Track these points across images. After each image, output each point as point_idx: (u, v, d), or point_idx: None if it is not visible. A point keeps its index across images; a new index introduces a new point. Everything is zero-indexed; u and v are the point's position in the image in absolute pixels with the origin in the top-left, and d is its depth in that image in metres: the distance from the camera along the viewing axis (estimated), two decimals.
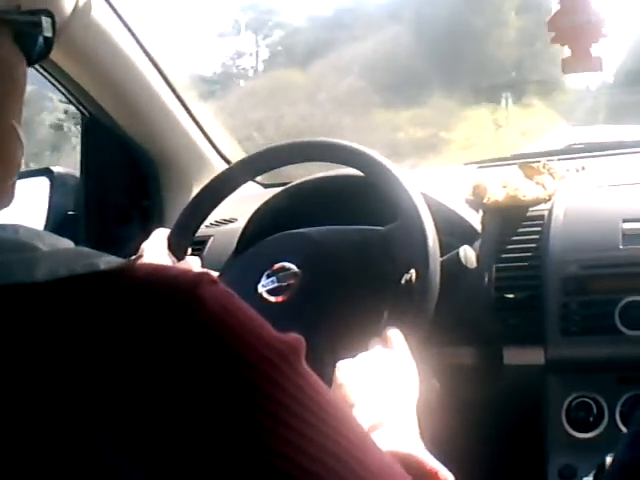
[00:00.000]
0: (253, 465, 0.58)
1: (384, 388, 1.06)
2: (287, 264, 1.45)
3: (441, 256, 1.38)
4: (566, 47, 1.14)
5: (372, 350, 1.17)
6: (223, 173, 1.64)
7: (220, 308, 0.60)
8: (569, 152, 1.97)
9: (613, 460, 1.02)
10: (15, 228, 0.64)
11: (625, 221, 1.49)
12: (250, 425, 0.58)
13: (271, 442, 0.58)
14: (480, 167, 1.93)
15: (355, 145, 1.47)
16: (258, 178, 1.95)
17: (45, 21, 0.73)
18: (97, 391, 0.57)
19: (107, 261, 0.61)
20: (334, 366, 1.10)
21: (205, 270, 0.64)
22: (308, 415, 0.61)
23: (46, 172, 1.93)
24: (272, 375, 0.60)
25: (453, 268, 1.43)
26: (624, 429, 1.41)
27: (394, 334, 1.20)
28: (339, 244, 1.46)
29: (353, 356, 1.13)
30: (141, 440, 0.57)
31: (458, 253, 1.43)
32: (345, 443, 0.63)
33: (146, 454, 0.57)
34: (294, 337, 0.64)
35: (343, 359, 1.12)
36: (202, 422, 0.58)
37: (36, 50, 0.73)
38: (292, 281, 1.44)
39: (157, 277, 0.61)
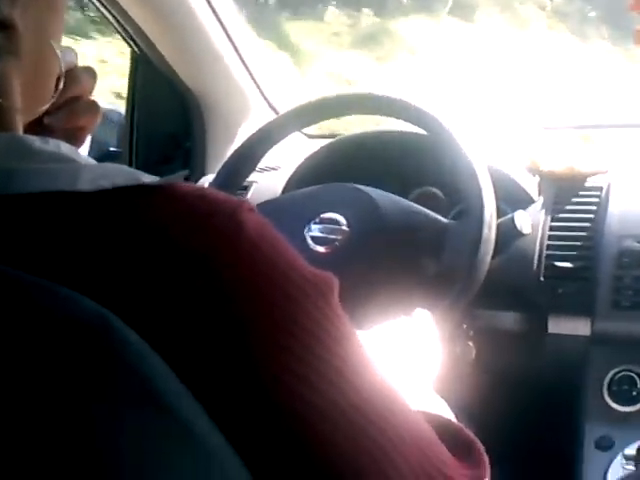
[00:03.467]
0: (270, 393, 0.58)
1: (402, 360, 1.06)
2: (338, 217, 1.45)
3: (497, 218, 1.38)
4: None
5: (397, 324, 1.17)
6: (274, 121, 1.63)
7: (257, 234, 0.60)
8: (632, 124, 1.94)
9: None
10: (57, 143, 0.63)
11: None
12: (280, 352, 0.58)
13: (296, 369, 0.58)
14: (542, 130, 1.90)
15: (422, 104, 1.46)
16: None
17: None
18: (135, 302, 0.56)
19: (150, 176, 0.61)
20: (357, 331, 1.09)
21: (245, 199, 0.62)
22: (337, 351, 0.61)
23: None
24: (305, 304, 0.60)
25: (507, 232, 1.43)
26: None
27: (422, 315, 1.20)
28: (396, 215, 1.45)
29: (377, 327, 1.13)
30: (175, 357, 0.56)
31: (513, 218, 1.43)
32: (370, 393, 0.62)
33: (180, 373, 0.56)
34: (329, 275, 0.63)
35: (368, 328, 1.12)
36: (230, 344, 0.57)
37: None
38: (339, 236, 1.43)
39: (198, 196, 0.60)
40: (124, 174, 0.60)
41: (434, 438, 0.69)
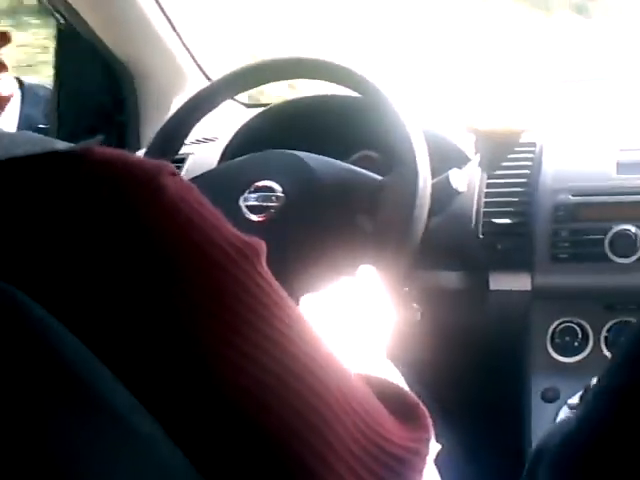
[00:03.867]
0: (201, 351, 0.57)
1: (347, 321, 1.05)
2: (273, 184, 1.43)
3: (432, 179, 1.39)
4: None
5: (341, 285, 1.17)
6: (205, 89, 1.61)
7: (179, 198, 0.59)
8: (565, 79, 1.95)
9: (599, 382, 1.03)
10: None
11: (621, 150, 1.50)
12: (207, 319, 0.57)
13: (224, 336, 0.57)
14: (472, 88, 1.90)
15: (355, 67, 1.45)
16: (240, 98, 1.91)
17: None
18: (49, 273, 0.55)
19: (65, 143, 0.59)
20: (299, 298, 1.09)
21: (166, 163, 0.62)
22: (266, 316, 0.60)
23: (16, 83, 1.87)
24: (230, 269, 0.59)
25: (443, 191, 1.43)
26: (608, 354, 1.44)
27: (366, 270, 1.20)
28: (332, 179, 1.44)
29: (320, 290, 1.13)
30: (91, 330, 0.55)
31: (448, 176, 1.44)
32: (303, 356, 0.62)
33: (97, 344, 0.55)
34: (255, 239, 0.63)
35: (310, 292, 1.11)
36: (154, 309, 0.56)
37: None
38: (275, 203, 1.42)
39: (117, 161, 0.59)
40: (37, 142, 0.59)
41: (374, 402, 0.69)
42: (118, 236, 0.56)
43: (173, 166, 0.61)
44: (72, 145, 0.59)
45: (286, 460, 0.59)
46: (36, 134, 0.62)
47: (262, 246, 0.63)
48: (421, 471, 0.70)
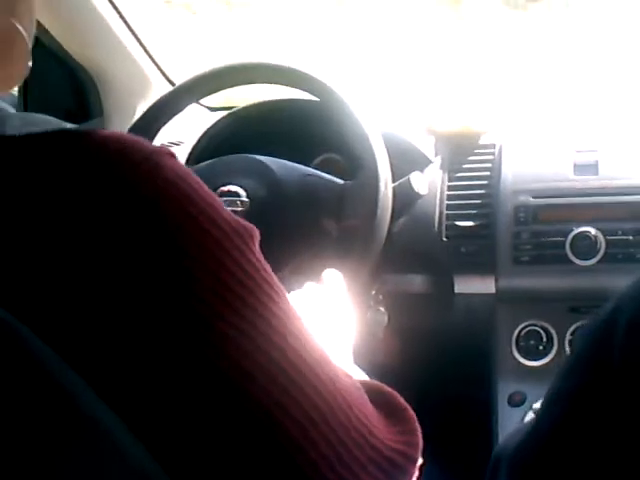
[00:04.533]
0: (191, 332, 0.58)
1: (315, 327, 1.05)
2: (238, 189, 1.43)
3: (393, 182, 1.38)
4: None
5: (306, 289, 1.17)
6: (168, 94, 1.60)
7: (176, 175, 0.61)
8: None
9: (552, 386, 1.02)
10: None
11: (577, 152, 1.49)
12: (200, 288, 0.58)
13: (218, 309, 0.59)
14: (429, 91, 1.91)
15: (314, 72, 1.44)
16: (204, 102, 1.90)
17: None
18: (56, 240, 0.57)
19: (71, 125, 0.63)
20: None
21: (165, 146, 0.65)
22: (258, 293, 0.61)
23: None
24: (226, 245, 0.61)
25: (404, 194, 1.43)
26: None
27: (331, 275, 1.19)
28: (296, 183, 1.44)
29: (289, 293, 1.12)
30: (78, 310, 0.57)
31: (409, 179, 1.43)
32: (293, 337, 0.62)
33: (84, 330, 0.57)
34: (250, 224, 0.64)
35: None
36: (152, 279, 0.58)
37: None
38: (239, 208, 1.42)
39: (117, 140, 0.61)
40: (50, 122, 0.64)
41: (364, 398, 0.70)
42: (119, 208, 0.58)
43: (171, 149, 0.63)
44: (78, 126, 0.63)
45: (270, 430, 0.60)
46: (47, 116, 0.66)
47: (255, 230, 0.65)
48: (412, 476, 0.71)
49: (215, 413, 0.59)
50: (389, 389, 0.82)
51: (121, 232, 0.57)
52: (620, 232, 1.41)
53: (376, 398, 0.73)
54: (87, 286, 0.57)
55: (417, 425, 0.75)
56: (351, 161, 1.57)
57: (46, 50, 1.80)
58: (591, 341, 0.80)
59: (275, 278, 0.65)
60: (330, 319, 1.09)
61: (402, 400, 0.79)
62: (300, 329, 0.64)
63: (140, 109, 1.82)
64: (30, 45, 0.71)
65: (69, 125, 0.63)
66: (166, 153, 0.62)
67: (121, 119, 1.87)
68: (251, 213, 1.41)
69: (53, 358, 0.56)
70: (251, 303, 0.60)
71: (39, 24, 1.72)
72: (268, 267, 0.64)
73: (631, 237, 1.40)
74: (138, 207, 0.58)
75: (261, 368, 0.59)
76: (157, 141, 1.62)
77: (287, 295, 0.66)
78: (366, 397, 0.70)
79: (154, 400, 0.58)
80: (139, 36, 1.83)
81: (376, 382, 0.84)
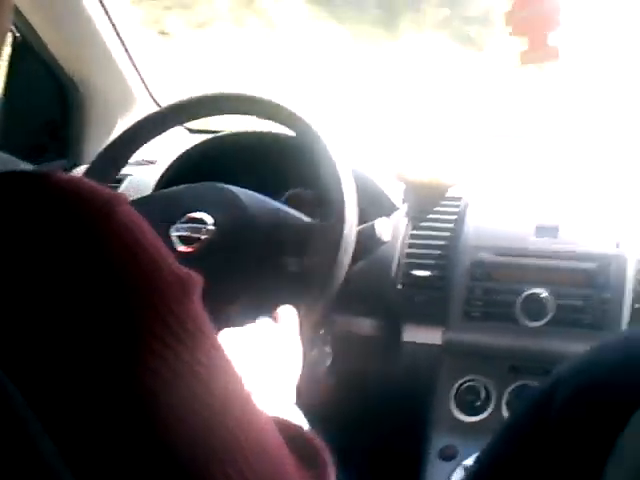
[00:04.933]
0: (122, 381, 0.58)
1: (261, 360, 1.06)
2: (205, 216, 1.44)
3: (358, 225, 1.40)
4: (522, 39, 1.14)
5: (259, 324, 1.18)
6: (154, 114, 1.61)
7: (130, 221, 0.61)
8: (494, 136, 1.97)
9: (480, 455, 1.03)
10: None
11: (539, 214, 1.50)
12: (136, 345, 0.58)
13: (146, 359, 0.58)
14: (403, 139, 1.92)
15: (293, 107, 1.46)
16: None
17: None
18: None
19: (27, 164, 0.62)
20: (218, 332, 1.09)
21: (120, 192, 0.65)
22: (190, 347, 0.61)
23: None
24: (168, 296, 0.61)
25: (367, 239, 1.44)
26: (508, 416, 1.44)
27: (286, 311, 1.20)
28: (264, 217, 1.45)
29: (239, 326, 1.13)
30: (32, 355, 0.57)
31: (374, 225, 1.44)
32: (218, 393, 0.63)
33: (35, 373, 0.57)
34: (194, 273, 0.64)
35: (230, 327, 1.12)
36: (89, 331, 0.57)
37: None
38: (204, 236, 1.43)
39: (73, 186, 0.61)
40: (7, 162, 0.62)
41: (282, 448, 0.69)
42: (69, 251, 0.58)
43: (126, 196, 0.64)
44: (36, 168, 0.62)
45: (177, 471, 0.59)
46: (3, 154, 0.65)
47: (199, 280, 0.64)
48: None
49: (129, 461, 0.59)
50: (309, 432, 0.83)
51: (69, 273, 0.58)
52: (571, 297, 1.42)
53: (294, 440, 0.74)
54: (32, 321, 0.57)
55: (330, 468, 0.76)
56: (320, 198, 1.58)
57: (35, 57, 1.82)
58: (529, 412, 0.81)
59: (213, 331, 0.65)
60: (278, 355, 1.10)
61: (321, 444, 0.80)
62: (227, 379, 0.64)
63: (122, 124, 1.84)
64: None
65: (26, 166, 0.63)
66: (122, 200, 0.62)
67: (101, 133, 1.89)
68: (215, 242, 1.42)
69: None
70: (183, 357, 0.60)
71: (32, 29, 1.76)
72: (206, 318, 0.65)
73: (581, 302, 1.42)
74: (87, 249, 0.58)
75: (181, 421, 0.59)
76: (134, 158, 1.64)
77: (221, 345, 0.66)
78: (282, 442, 0.70)
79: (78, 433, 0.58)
80: (130, 52, 1.86)
81: (298, 424, 0.85)
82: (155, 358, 0.58)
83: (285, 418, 0.86)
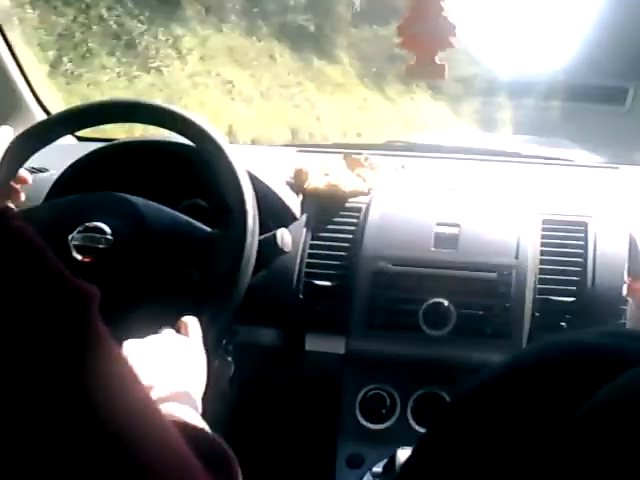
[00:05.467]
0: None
1: (165, 370, 1.06)
2: (103, 226, 1.42)
3: (259, 235, 1.40)
4: (410, 53, 1.15)
5: (162, 334, 1.17)
6: (43, 123, 1.58)
7: (17, 242, 0.60)
8: (391, 148, 2.01)
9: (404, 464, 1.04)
10: None
11: (438, 224, 1.53)
12: (27, 352, 0.57)
13: (45, 374, 0.57)
14: (300, 151, 1.94)
15: (190, 114, 1.45)
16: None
17: None
18: None
19: None
20: (121, 342, 1.08)
21: (7, 205, 0.63)
22: (89, 360, 0.60)
23: None
24: (65, 315, 0.59)
25: (268, 249, 1.44)
26: (414, 424, 1.46)
27: (188, 321, 1.20)
28: (163, 226, 1.43)
29: (142, 337, 1.12)
30: None
31: (275, 235, 1.45)
32: (126, 408, 0.62)
33: None
34: (91, 286, 0.63)
35: (131, 338, 1.11)
36: None
37: None
38: (102, 245, 1.40)
39: None
40: None
41: (188, 454, 0.69)
42: None
43: (14, 210, 0.62)
44: None
45: None
46: None
47: (96, 293, 0.63)
48: None
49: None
50: (215, 436, 0.83)
51: None
52: (473, 307, 1.46)
53: (198, 442, 0.73)
54: None
55: (236, 468, 0.77)
56: (217, 209, 1.58)
57: None
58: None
59: (113, 343, 0.64)
60: (183, 366, 1.10)
61: (229, 452, 0.80)
62: (129, 388, 0.64)
63: (5, 131, 1.78)
64: None
65: None
66: (8, 216, 0.60)
67: None
68: (113, 251, 1.40)
69: None
70: (83, 374, 0.59)
71: None
72: (105, 331, 0.63)
73: (481, 312, 1.45)
74: None
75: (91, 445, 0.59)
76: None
77: (122, 357, 0.66)
78: (187, 450, 0.69)
79: None
80: (19, 59, 1.81)
81: (207, 432, 0.86)
82: (52, 378, 0.58)
83: (191, 423, 0.86)
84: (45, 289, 0.59)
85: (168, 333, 1.18)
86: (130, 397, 0.64)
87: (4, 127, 1.38)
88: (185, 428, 0.78)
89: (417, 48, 1.14)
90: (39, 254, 0.60)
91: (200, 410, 1.03)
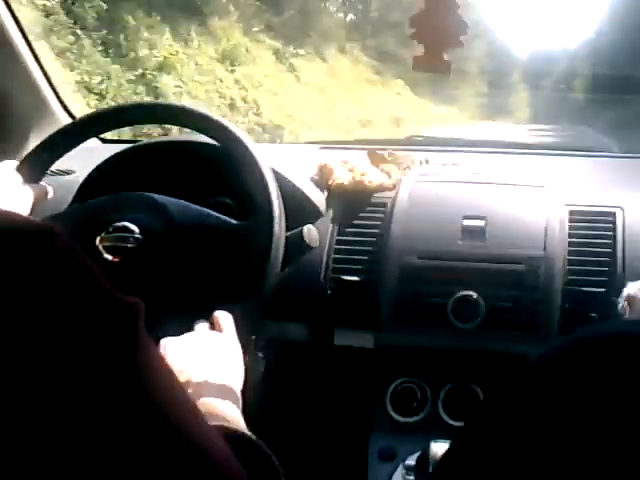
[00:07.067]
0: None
1: (205, 366, 1.07)
2: (131, 226, 1.42)
3: (285, 232, 1.40)
4: (421, 45, 1.15)
5: (197, 331, 1.17)
6: (70, 126, 1.59)
7: (64, 259, 0.60)
8: (413, 143, 2.01)
9: None
10: None
11: (465, 218, 1.52)
12: (78, 363, 0.57)
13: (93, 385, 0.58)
14: (323, 147, 1.94)
15: (214, 115, 1.46)
16: None
17: None
18: None
19: None
20: (157, 342, 1.09)
21: (51, 223, 0.63)
22: (138, 371, 0.61)
23: None
24: (112, 330, 0.60)
25: (295, 245, 1.45)
26: (445, 417, 1.46)
27: (222, 316, 1.20)
28: (189, 221, 1.44)
29: (177, 335, 1.13)
30: None
31: (302, 231, 1.45)
32: (169, 412, 0.63)
33: None
34: (137, 300, 0.63)
35: (167, 336, 1.12)
36: (36, 353, 0.56)
37: None
38: (131, 245, 1.41)
39: (7, 221, 0.60)
40: None
41: (230, 458, 0.69)
42: (15, 287, 0.56)
43: (60, 227, 0.62)
44: None
45: None
46: None
47: (141, 306, 0.63)
48: None
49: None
50: (255, 439, 0.84)
51: (15, 302, 0.56)
52: (501, 299, 1.45)
53: (242, 447, 0.74)
54: None
55: (280, 473, 0.78)
56: (243, 206, 1.58)
57: None
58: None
59: (159, 354, 0.65)
60: (221, 361, 1.10)
61: (267, 450, 0.81)
62: (176, 389, 0.65)
63: (35, 136, 1.80)
64: None
65: None
66: (55, 233, 0.61)
67: (14, 145, 1.85)
68: (143, 250, 1.40)
69: None
70: (130, 384, 0.60)
71: None
72: (152, 344, 0.64)
73: (510, 304, 1.44)
74: (28, 294, 0.57)
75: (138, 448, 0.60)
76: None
77: (166, 362, 0.66)
78: (228, 450, 0.70)
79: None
80: (43, 64, 1.82)
81: (243, 431, 0.86)
82: (103, 390, 0.58)
83: (233, 426, 0.86)
84: (97, 307, 0.60)
85: (203, 329, 1.19)
86: (179, 397, 0.65)
87: (6, 162, 1.41)
88: (227, 428, 0.79)
89: (426, 41, 1.14)
90: (88, 272, 0.61)
91: (240, 404, 1.04)
